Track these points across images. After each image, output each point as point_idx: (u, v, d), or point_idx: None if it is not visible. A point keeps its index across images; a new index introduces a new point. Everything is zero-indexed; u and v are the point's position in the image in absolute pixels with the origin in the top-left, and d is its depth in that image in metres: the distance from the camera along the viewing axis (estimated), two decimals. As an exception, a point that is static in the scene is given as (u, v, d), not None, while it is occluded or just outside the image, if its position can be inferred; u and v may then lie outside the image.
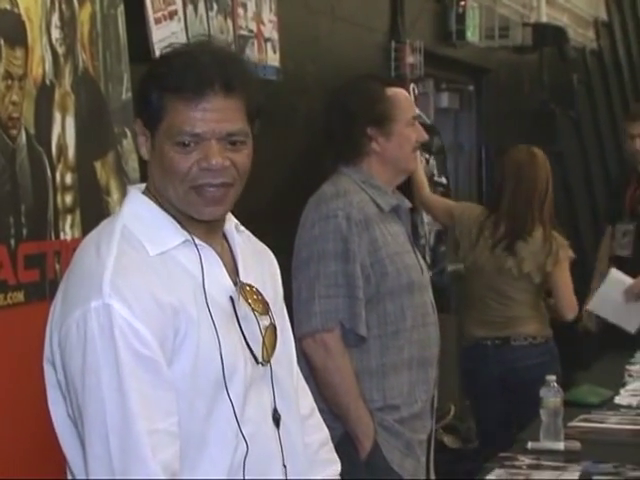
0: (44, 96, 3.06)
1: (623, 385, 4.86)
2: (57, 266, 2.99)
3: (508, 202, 5.25)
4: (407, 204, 3.93)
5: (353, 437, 3.70)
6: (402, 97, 3.91)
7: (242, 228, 2.43)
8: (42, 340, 2.35)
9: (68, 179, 3.15)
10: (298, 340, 3.70)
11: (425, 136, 3.97)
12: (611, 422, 4.33)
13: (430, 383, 3.85)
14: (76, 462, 2.21)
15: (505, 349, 5.28)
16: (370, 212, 3.74)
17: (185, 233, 2.23)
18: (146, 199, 2.27)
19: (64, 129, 3.13)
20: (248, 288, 2.30)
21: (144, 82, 2.26)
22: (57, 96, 3.12)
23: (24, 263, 2.96)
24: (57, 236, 3.08)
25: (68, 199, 3.14)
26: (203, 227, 2.27)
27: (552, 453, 3.86)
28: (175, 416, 2.13)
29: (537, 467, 3.72)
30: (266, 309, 2.33)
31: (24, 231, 2.96)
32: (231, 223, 2.39)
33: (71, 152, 3.16)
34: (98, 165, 3.29)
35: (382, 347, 3.73)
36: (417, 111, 4.11)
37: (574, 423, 4.24)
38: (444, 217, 5.60)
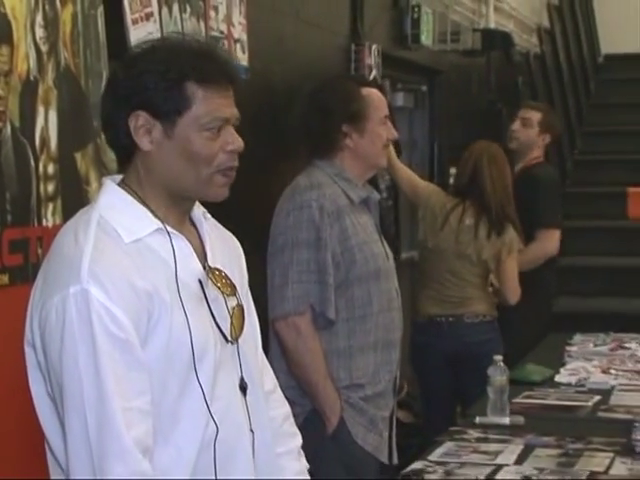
0: (28, 91, 3.03)
1: (563, 365, 4.89)
2: (39, 251, 2.96)
3: (487, 193, 5.23)
4: (376, 196, 3.95)
5: (321, 413, 3.72)
6: (376, 97, 3.92)
7: (209, 216, 2.41)
8: (25, 321, 2.33)
9: (50, 169, 3.13)
10: (271, 322, 3.72)
11: (395, 134, 3.99)
12: (552, 399, 4.35)
13: (393, 364, 3.86)
14: (54, 437, 2.20)
15: (458, 325, 5.28)
16: (341, 203, 3.74)
17: (157, 222, 2.21)
18: (120, 190, 2.25)
19: (47, 122, 3.11)
20: (216, 272, 2.29)
21: (163, 76, 2.20)
22: (40, 91, 3.09)
23: (8, 248, 2.93)
24: (40, 222, 3.06)
25: (50, 188, 3.12)
26: (175, 216, 2.27)
27: (498, 427, 3.88)
28: (148, 395, 2.12)
29: (484, 440, 3.75)
30: (233, 291, 2.32)
31: (8, 217, 2.93)
32: (199, 210, 2.38)
33: (53, 144, 3.14)
34: (78, 156, 3.27)
35: (349, 330, 3.73)
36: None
37: (518, 400, 4.26)
38: (409, 190, 5.56)
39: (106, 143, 2.34)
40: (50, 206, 3.12)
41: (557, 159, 10.11)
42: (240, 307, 2.33)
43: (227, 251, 2.41)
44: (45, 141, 3.11)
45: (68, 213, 3.03)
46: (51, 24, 3.15)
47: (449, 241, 5.30)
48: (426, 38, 6.73)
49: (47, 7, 3.12)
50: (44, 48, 3.12)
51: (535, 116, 6.03)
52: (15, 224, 2.96)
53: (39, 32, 3.10)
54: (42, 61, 3.10)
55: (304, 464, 2.57)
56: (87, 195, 3.22)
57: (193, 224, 2.36)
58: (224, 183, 2.27)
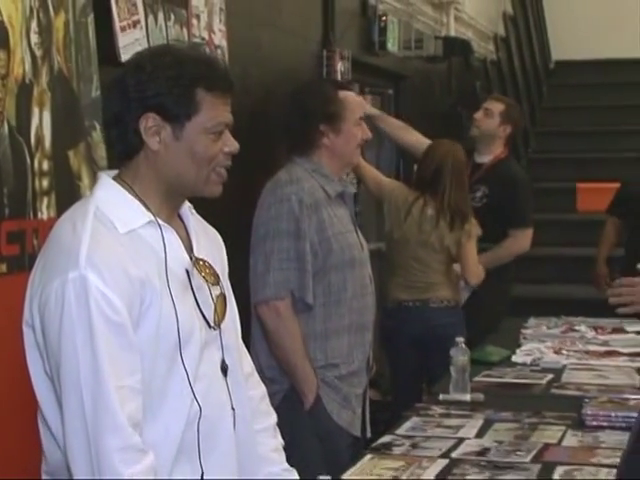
0: (24, 93, 3.01)
1: (519, 346, 4.91)
2: (35, 241, 2.95)
3: (445, 196, 5.22)
4: (351, 190, 3.96)
5: (299, 390, 3.72)
6: (352, 99, 3.92)
7: (194, 211, 2.41)
8: (22, 306, 2.30)
9: (45, 165, 3.11)
10: (254, 306, 3.72)
11: (369, 134, 3.99)
12: (509, 377, 4.37)
13: (366, 345, 3.87)
14: (50, 413, 2.19)
15: (424, 310, 5.28)
16: (319, 197, 3.75)
17: (150, 215, 2.21)
18: (116, 184, 2.24)
19: (41, 122, 3.09)
20: (201, 262, 2.29)
21: (176, 82, 2.20)
22: (35, 93, 3.07)
23: (6, 239, 2.92)
24: (35, 215, 3.04)
25: (45, 183, 3.11)
26: (167, 211, 2.27)
27: (460, 404, 3.89)
28: (139, 374, 2.12)
29: (447, 415, 3.75)
30: (217, 280, 2.32)
31: (6, 211, 2.92)
32: (185, 205, 2.37)
33: (47, 142, 3.12)
34: (71, 154, 3.26)
35: (326, 314, 3.74)
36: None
37: (478, 378, 4.27)
38: (374, 187, 5.51)
39: (110, 139, 2.31)
40: (45, 200, 3.10)
41: (514, 157, 10.16)
42: (223, 295, 2.33)
43: (210, 244, 2.40)
44: (40, 139, 3.09)
45: (62, 207, 3.02)
46: (45, 31, 3.13)
47: (413, 231, 5.29)
48: (392, 45, 6.72)
49: (41, 15, 3.11)
50: (38, 53, 3.10)
51: (497, 107, 5.96)
52: (12, 217, 2.95)
53: (34, 38, 3.08)
54: (37, 65, 3.08)
55: (279, 440, 2.58)
56: (79, 190, 3.20)
57: (180, 218, 2.35)
58: (219, 181, 2.28)
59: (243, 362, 2.48)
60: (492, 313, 5.64)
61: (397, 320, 5.32)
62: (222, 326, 2.32)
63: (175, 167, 2.23)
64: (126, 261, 2.12)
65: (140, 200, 2.22)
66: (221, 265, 2.42)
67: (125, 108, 2.22)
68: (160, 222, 2.22)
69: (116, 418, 2.06)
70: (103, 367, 2.06)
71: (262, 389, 2.57)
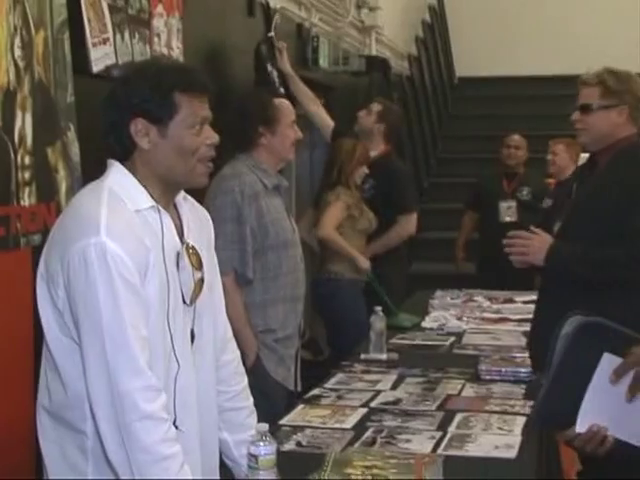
0: (9, 99, 2.98)
1: (427, 314, 4.93)
2: (18, 225, 2.90)
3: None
4: (285, 184, 3.93)
5: (242, 351, 3.69)
6: (285, 105, 3.91)
7: (188, 197, 2.39)
8: (7, 280, 2.26)
9: (27, 160, 3.08)
10: None
11: (300, 135, 3.97)
12: (419, 340, 4.39)
13: (298, 313, 3.88)
14: (61, 359, 2.15)
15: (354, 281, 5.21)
16: (258, 189, 3.73)
17: (152, 201, 2.19)
18: (126, 171, 2.22)
19: (24, 123, 3.06)
20: (190, 249, 2.27)
21: (156, 90, 2.18)
22: (19, 99, 3.04)
23: None
24: (18, 202, 3.00)
25: (27, 175, 3.08)
26: (164, 200, 2.24)
27: (378, 362, 3.91)
28: (147, 327, 2.11)
29: (367, 372, 3.77)
30: (200, 266, 2.29)
31: None
32: (180, 195, 2.34)
33: (29, 140, 3.09)
34: (49, 150, 3.23)
35: (264, 287, 3.73)
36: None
37: (393, 340, 4.29)
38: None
39: (109, 144, 2.25)
40: (27, 189, 3.07)
41: (424, 157, 10.24)
42: (201, 280, 2.31)
43: (200, 226, 2.38)
44: (22, 138, 3.06)
45: (41, 195, 3.02)
46: (27, 46, 3.10)
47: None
48: (323, 62, 6.72)
49: (24, 32, 3.08)
50: (21, 64, 3.07)
51: (376, 108, 5.82)
52: (-1, 204, 2.93)
53: (17, 52, 3.05)
54: (20, 75, 3.05)
55: (251, 401, 2.58)
56: (56, 181, 3.17)
57: (175, 207, 2.33)
58: (205, 172, 2.27)
59: (221, 330, 2.48)
60: (394, 288, 5.54)
61: (331, 289, 5.22)
62: (197, 303, 2.30)
63: (165, 162, 2.20)
64: (138, 232, 2.11)
65: (145, 188, 2.20)
66: (208, 243, 2.41)
67: (118, 116, 2.20)
68: (160, 208, 2.21)
69: (137, 362, 2.05)
70: (125, 318, 2.05)
71: (237, 353, 2.57)
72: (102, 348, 2.05)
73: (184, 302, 2.24)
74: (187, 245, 2.26)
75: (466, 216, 7.35)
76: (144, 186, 2.20)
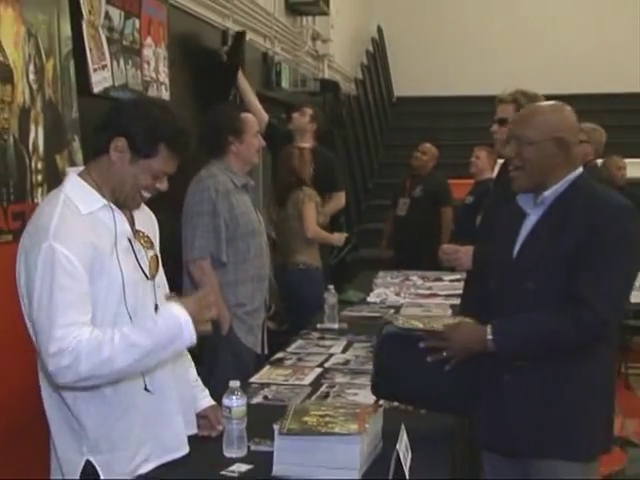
0: (24, 115, 2.98)
1: (372, 290, 4.96)
2: (32, 219, 2.92)
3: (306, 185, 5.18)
4: (252, 183, 3.92)
5: (217, 322, 3.68)
6: (251, 119, 3.89)
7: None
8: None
9: (39, 165, 3.08)
10: (185, 264, 3.68)
11: (263, 143, 3.95)
12: (365, 312, 4.42)
13: (264, 290, 3.86)
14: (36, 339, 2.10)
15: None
16: (229, 187, 3.71)
17: (104, 201, 2.15)
18: (79, 179, 2.16)
19: (37, 135, 3.06)
20: (140, 233, 2.24)
21: (149, 131, 2.13)
22: (32, 115, 3.04)
23: (12, 217, 2.90)
24: (32, 200, 3.01)
25: (39, 177, 3.08)
26: (114, 200, 2.19)
27: (331, 330, 3.94)
28: (89, 315, 2.04)
29: (322, 338, 3.80)
30: (152, 245, 2.27)
31: (12, 197, 2.90)
32: None
33: (41, 149, 3.10)
34: (58, 157, 3.23)
35: (235, 269, 3.71)
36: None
37: (344, 313, 4.31)
38: None
39: (94, 139, 2.20)
40: (39, 189, 3.08)
41: (369, 162, 10.26)
42: (156, 256, 2.28)
43: (146, 221, 2.33)
44: (36, 147, 3.06)
45: (51, 194, 3.03)
46: (39, 71, 3.10)
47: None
48: (285, 84, 6.72)
49: (36, 60, 3.09)
50: (34, 87, 3.06)
51: (308, 111, 5.74)
52: (16, 201, 2.94)
53: (31, 76, 3.05)
54: (33, 95, 3.05)
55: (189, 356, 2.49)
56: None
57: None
58: (140, 201, 2.23)
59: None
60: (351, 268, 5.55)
61: (296, 277, 5.12)
62: (156, 278, 2.26)
63: (119, 178, 2.16)
64: (85, 234, 2.06)
65: (98, 190, 2.15)
66: (153, 236, 2.34)
67: (111, 125, 2.15)
68: (112, 205, 2.16)
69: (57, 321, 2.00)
70: (56, 301, 2.00)
71: None
72: (44, 319, 2.01)
73: (146, 277, 2.19)
74: (136, 231, 2.22)
75: (390, 211, 7.29)
76: (99, 189, 2.15)
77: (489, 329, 2.33)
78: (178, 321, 2.09)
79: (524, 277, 2.34)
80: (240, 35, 5.56)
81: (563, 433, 2.33)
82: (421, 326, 2.53)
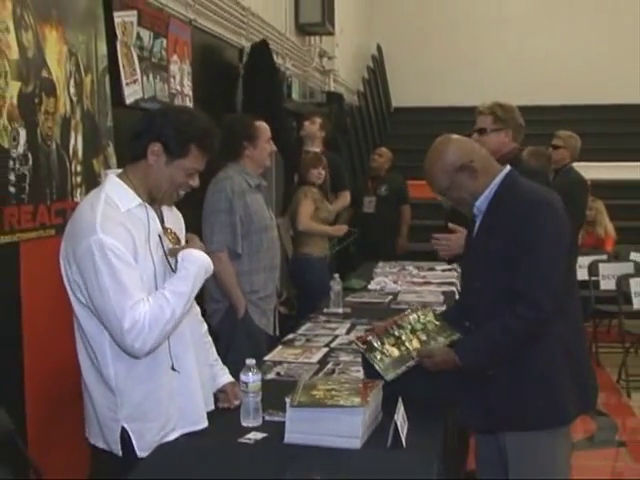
0: (65, 124, 3.00)
1: (373, 278, 4.94)
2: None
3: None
4: (264, 183, 3.91)
5: (234, 306, 3.70)
6: (263, 126, 3.88)
7: None
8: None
9: (78, 168, 3.10)
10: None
11: (275, 148, 3.95)
12: (366, 298, 4.41)
13: (275, 279, 3.86)
14: (86, 322, 2.13)
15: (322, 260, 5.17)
16: (244, 187, 3.71)
17: (140, 200, 2.16)
18: (118, 180, 2.17)
19: (76, 141, 3.09)
20: (169, 230, 2.25)
21: (181, 134, 2.14)
22: (72, 124, 3.06)
23: (55, 213, 2.92)
24: (72, 199, 3.04)
25: (78, 179, 3.10)
26: (149, 199, 2.20)
27: (336, 314, 3.93)
28: (145, 290, 2.09)
29: (328, 321, 3.79)
30: (178, 241, 2.27)
31: (54, 196, 2.92)
32: None
33: (80, 154, 3.12)
34: (95, 161, 3.24)
35: (250, 259, 3.71)
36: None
37: (348, 299, 4.30)
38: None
39: (131, 145, 2.20)
40: (78, 190, 3.10)
41: (369, 165, 10.23)
42: None
43: (174, 219, 2.34)
44: (75, 152, 3.08)
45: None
46: (79, 85, 3.12)
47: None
48: (295, 95, 6.71)
49: (76, 75, 3.11)
50: (74, 99, 3.08)
51: (318, 120, 5.83)
52: (58, 200, 2.95)
53: (72, 90, 3.07)
54: (73, 106, 3.06)
55: (210, 340, 2.51)
56: (99, 184, 3.18)
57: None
58: (174, 199, 2.25)
59: None
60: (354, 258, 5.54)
61: (304, 266, 5.15)
62: None
63: (157, 179, 2.17)
64: (125, 227, 2.08)
65: (135, 190, 2.17)
66: (180, 232, 2.35)
67: (147, 132, 2.16)
68: (146, 204, 2.18)
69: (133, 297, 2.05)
70: (125, 283, 2.03)
71: (198, 308, 2.48)
72: (112, 309, 2.03)
73: (172, 269, 2.20)
74: (165, 229, 2.24)
75: (349, 209, 7.14)
76: (135, 189, 2.16)
77: (454, 352, 2.35)
78: (198, 261, 2.19)
79: (472, 277, 2.39)
80: (263, 42, 5.57)
81: (526, 406, 2.31)
82: (397, 354, 2.49)
